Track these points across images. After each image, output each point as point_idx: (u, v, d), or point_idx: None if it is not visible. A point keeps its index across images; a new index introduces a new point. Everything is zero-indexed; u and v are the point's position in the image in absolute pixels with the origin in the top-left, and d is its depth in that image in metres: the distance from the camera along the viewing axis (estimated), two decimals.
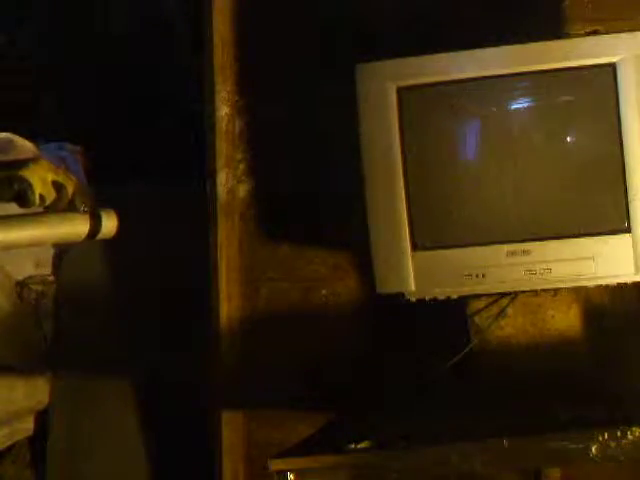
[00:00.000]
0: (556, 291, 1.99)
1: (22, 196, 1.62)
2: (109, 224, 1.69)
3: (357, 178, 1.89)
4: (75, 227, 1.66)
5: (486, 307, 2.03)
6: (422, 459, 1.81)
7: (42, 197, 1.64)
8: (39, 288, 2.48)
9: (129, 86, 2.73)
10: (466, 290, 1.87)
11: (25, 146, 2.59)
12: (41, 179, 1.64)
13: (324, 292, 2.19)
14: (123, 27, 2.81)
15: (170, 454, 2.33)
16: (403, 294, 1.88)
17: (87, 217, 1.66)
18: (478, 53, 1.84)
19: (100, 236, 1.68)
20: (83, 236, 1.67)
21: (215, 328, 2.19)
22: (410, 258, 1.86)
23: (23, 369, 2.39)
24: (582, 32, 2.04)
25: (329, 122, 2.15)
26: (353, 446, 1.86)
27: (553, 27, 2.08)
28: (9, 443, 2.41)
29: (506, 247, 1.83)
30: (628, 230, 1.81)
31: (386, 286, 1.88)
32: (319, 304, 2.19)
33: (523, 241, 1.83)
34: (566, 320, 2.04)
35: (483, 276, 1.84)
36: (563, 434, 1.77)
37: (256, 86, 2.24)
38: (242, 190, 2.23)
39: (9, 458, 2.42)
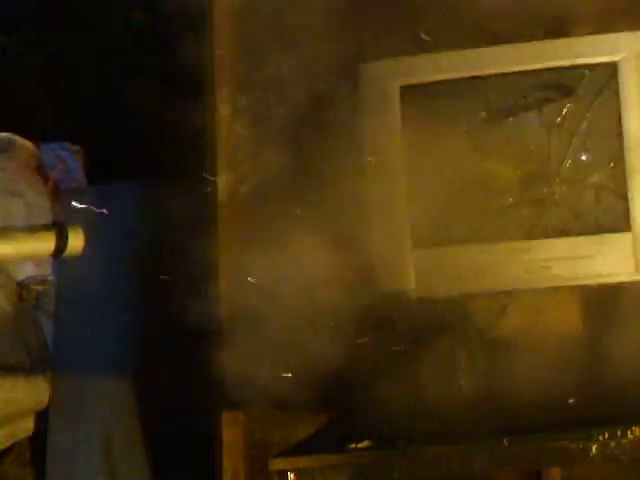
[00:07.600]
0: (556, 290, 1.99)
1: None
2: (75, 243, 1.66)
3: (357, 178, 1.89)
4: (40, 245, 1.63)
5: (486, 306, 2.03)
6: (422, 459, 1.81)
7: None
8: (39, 288, 2.48)
9: (129, 86, 2.73)
10: (466, 288, 1.87)
11: (25, 146, 2.61)
12: None
13: (324, 292, 2.19)
14: (123, 27, 2.81)
15: (170, 454, 2.33)
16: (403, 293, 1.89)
17: (53, 235, 1.63)
18: (480, 52, 1.84)
19: (66, 254, 1.66)
20: (48, 254, 1.65)
21: (215, 328, 2.19)
22: (410, 256, 1.86)
23: (23, 369, 2.40)
24: (583, 31, 2.04)
25: (330, 122, 2.15)
26: (353, 446, 1.86)
27: (554, 26, 2.08)
28: (9, 443, 2.41)
29: (506, 245, 1.84)
30: (628, 229, 1.81)
31: (386, 285, 1.88)
32: (319, 304, 2.19)
33: (523, 239, 1.83)
34: (566, 319, 2.04)
35: (483, 274, 1.84)
36: (563, 434, 1.76)
37: (256, 86, 2.24)
38: (242, 190, 2.23)
39: (9, 458, 2.43)
